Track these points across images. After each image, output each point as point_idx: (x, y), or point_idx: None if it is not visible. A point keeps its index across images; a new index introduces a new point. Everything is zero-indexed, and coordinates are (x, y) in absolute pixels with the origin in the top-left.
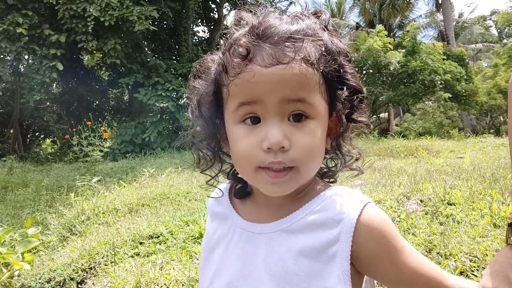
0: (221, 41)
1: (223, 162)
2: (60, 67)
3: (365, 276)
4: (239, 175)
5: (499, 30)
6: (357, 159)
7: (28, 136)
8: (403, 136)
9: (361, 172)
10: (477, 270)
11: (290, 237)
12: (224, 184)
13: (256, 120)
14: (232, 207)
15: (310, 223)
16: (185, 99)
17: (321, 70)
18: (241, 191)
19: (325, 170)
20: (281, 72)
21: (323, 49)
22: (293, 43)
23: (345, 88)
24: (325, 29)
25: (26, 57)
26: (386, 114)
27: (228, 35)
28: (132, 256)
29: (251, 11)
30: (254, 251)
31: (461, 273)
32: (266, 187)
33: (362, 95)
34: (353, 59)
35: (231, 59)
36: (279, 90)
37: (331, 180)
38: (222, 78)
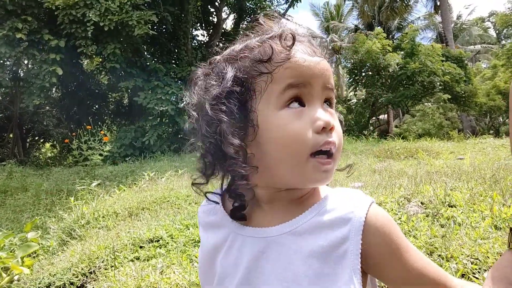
0: (245, 37)
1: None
2: (60, 71)
3: (368, 277)
4: (239, 191)
5: (497, 32)
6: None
7: (28, 140)
8: (402, 138)
9: (350, 166)
10: (479, 272)
11: (297, 239)
12: (213, 195)
13: (300, 104)
14: (228, 215)
15: (318, 224)
16: (184, 104)
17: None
18: (239, 211)
19: None
20: (322, 62)
21: (334, 62)
22: (321, 44)
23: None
24: None
25: (26, 62)
26: (386, 115)
27: (260, 30)
28: (132, 260)
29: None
30: (259, 256)
31: (462, 275)
32: (316, 175)
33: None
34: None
35: (284, 43)
36: (323, 76)
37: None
38: (258, 68)
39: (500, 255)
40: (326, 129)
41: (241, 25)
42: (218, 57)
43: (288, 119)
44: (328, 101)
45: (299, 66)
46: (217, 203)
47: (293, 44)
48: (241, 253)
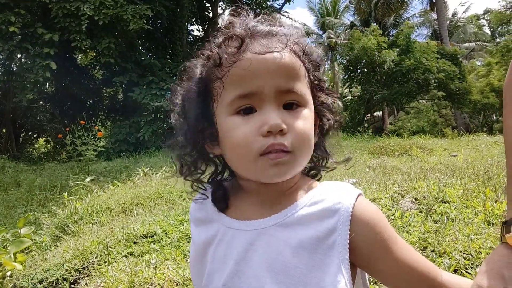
0: (209, 40)
1: (207, 165)
2: (54, 66)
3: (358, 270)
4: (219, 180)
5: (492, 29)
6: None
7: (21, 135)
8: (397, 135)
9: (349, 159)
10: (471, 267)
11: (286, 230)
12: (204, 190)
13: (248, 111)
14: (218, 209)
15: (307, 215)
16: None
17: (305, 65)
18: (222, 199)
19: (309, 168)
20: (275, 60)
21: (304, 46)
22: (281, 36)
23: (322, 85)
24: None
25: (19, 56)
26: (381, 112)
27: (219, 33)
28: (125, 256)
29: (238, 15)
30: (248, 248)
31: (455, 270)
32: (267, 172)
33: (336, 95)
34: (325, 66)
35: (226, 49)
36: (275, 80)
37: (316, 178)
38: (214, 73)
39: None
40: (272, 132)
41: None
42: (191, 62)
43: (237, 124)
44: (290, 104)
45: (244, 73)
46: (207, 196)
47: (240, 47)
48: (231, 246)
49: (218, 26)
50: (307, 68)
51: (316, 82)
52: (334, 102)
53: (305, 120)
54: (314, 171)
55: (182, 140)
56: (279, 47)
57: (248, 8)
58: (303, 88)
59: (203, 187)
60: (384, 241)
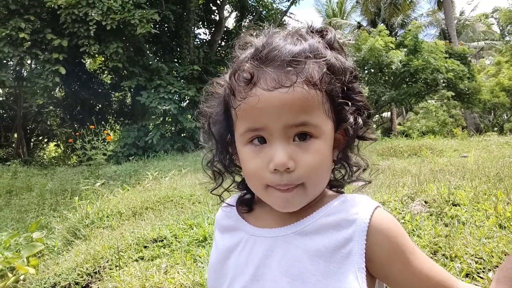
0: (227, 66)
1: (235, 175)
2: (63, 71)
3: (377, 281)
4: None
5: (501, 28)
6: (364, 170)
7: (32, 140)
8: (406, 136)
9: (369, 182)
10: (483, 272)
11: (304, 239)
12: (230, 199)
13: (262, 140)
14: (242, 218)
15: (324, 225)
16: (187, 101)
17: (324, 89)
18: (248, 202)
19: (333, 181)
20: (284, 96)
21: (326, 68)
22: (295, 66)
23: (350, 104)
24: (330, 48)
25: (29, 61)
26: (389, 113)
27: (234, 58)
28: (136, 260)
29: (255, 34)
30: (267, 254)
31: (467, 275)
32: (276, 202)
33: (369, 111)
34: (359, 76)
35: (236, 84)
36: (282, 116)
37: (339, 190)
38: (231, 100)
39: (506, 255)
40: (279, 170)
41: (243, 23)
42: (215, 80)
43: (249, 156)
44: (303, 133)
45: (253, 109)
46: (233, 205)
47: (249, 82)
48: (252, 252)
49: (236, 44)
50: (328, 91)
51: (341, 101)
52: (364, 121)
53: (317, 153)
54: (338, 184)
55: (210, 157)
56: (290, 79)
57: (267, 26)
58: (317, 119)
59: (226, 200)
60: (402, 253)
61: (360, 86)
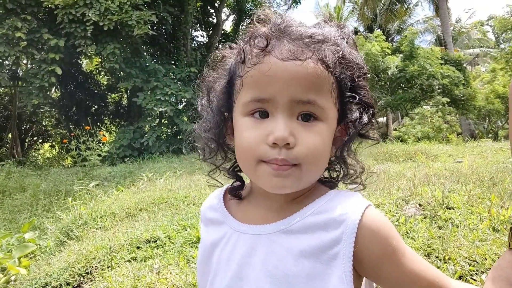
0: (242, 33)
1: (226, 155)
2: (59, 71)
3: (364, 279)
4: (239, 172)
5: (496, 35)
6: (361, 173)
7: (27, 140)
8: (401, 141)
9: (363, 187)
10: (476, 274)
11: (290, 238)
12: (217, 191)
13: (264, 114)
14: (228, 211)
15: (312, 224)
16: (184, 103)
17: (336, 75)
18: (236, 191)
19: (325, 179)
20: (296, 68)
21: (340, 54)
22: (312, 42)
23: (357, 98)
24: (345, 40)
25: (25, 61)
26: (385, 118)
27: (250, 27)
28: (129, 261)
29: (274, 11)
30: (251, 252)
31: (460, 277)
32: (267, 180)
33: (374, 110)
34: (368, 74)
35: (250, 48)
36: (291, 88)
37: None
38: (238, 69)
39: (499, 257)
40: (278, 145)
41: (240, 26)
42: (227, 48)
43: (247, 126)
44: (307, 115)
45: (262, 77)
46: (221, 184)
47: (264, 49)
48: (235, 248)
49: (255, 14)
50: (338, 80)
51: (349, 94)
52: (368, 120)
53: (319, 136)
54: (331, 183)
55: (205, 126)
56: (306, 54)
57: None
58: (324, 102)
59: (219, 182)
60: (393, 254)
61: (366, 83)
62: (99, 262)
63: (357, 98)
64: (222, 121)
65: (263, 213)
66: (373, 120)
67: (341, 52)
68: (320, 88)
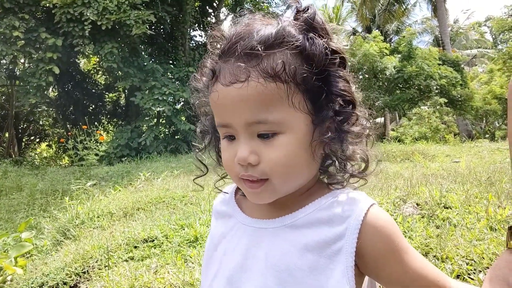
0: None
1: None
2: (57, 70)
3: (366, 280)
4: None
5: (494, 36)
6: (366, 165)
7: (24, 139)
8: (399, 141)
9: (365, 181)
10: (474, 273)
11: (294, 232)
12: (231, 186)
13: (232, 137)
14: (237, 206)
15: (316, 219)
16: (182, 103)
17: (290, 80)
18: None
19: (327, 178)
20: (239, 92)
21: (292, 57)
22: (255, 55)
23: (328, 93)
24: (310, 29)
25: (22, 60)
26: (382, 119)
27: (208, 49)
28: (126, 260)
29: (233, 22)
30: (256, 245)
31: (457, 276)
32: (247, 194)
33: (350, 99)
34: (347, 61)
35: (202, 78)
36: (241, 112)
37: (335, 186)
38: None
39: (496, 256)
40: (242, 165)
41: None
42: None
43: (223, 148)
44: (264, 134)
45: (216, 106)
46: (227, 193)
47: (212, 77)
48: (241, 241)
49: (208, 38)
50: (298, 82)
51: (316, 90)
52: (345, 112)
53: (282, 148)
54: (334, 181)
55: (206, 142)
56: (246, 73)
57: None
58: (280, 115)
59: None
60: (395, 251)
61: (349, 73)
62: (96, 262)
63: (328, 92)
64: (216, 139)
65: (269, 209)
66: (352, 113)
67: (297, 52)
68: (269, 104)
